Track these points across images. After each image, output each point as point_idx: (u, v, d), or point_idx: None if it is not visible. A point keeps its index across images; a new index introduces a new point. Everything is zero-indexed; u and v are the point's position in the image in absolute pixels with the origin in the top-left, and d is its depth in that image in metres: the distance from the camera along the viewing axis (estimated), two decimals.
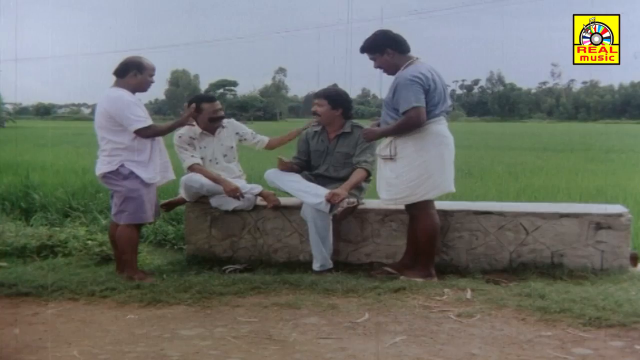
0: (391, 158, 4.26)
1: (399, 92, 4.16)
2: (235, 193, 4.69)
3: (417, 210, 4.30)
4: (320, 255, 4.52)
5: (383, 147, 4.33)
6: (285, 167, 4.75)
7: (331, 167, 4.74)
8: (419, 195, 4.24)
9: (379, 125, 4.44)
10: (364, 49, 4.37)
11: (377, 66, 4.37)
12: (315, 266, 4.52)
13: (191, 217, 4.98)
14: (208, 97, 5.10)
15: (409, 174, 4.21)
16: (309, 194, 4.52)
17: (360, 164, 4.61)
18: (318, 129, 4.85)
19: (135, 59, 4.42)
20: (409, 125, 4.15)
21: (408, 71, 4.20)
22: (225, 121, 4.99)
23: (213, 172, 4.80)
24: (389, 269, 4.44)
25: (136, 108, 4.29)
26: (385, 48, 4.28)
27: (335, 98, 4.73)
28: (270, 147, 5.17)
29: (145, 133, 4.29)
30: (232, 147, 4.98)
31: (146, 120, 4.30)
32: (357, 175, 4.59)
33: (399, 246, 4.60)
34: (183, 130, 4.84)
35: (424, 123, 4.15)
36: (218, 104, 4.95)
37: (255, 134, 5.12)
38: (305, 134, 4.91)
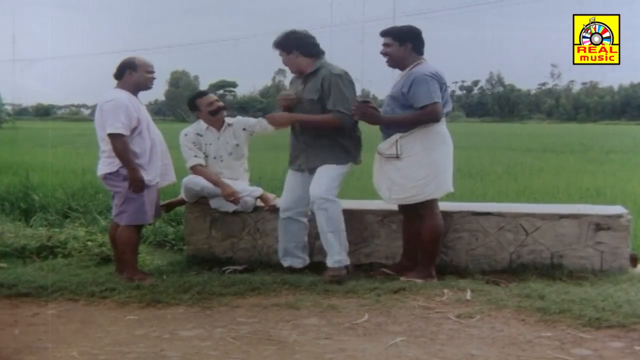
0: (397, 157, 4.24)
1: (417, 87, 4.17)
2: (232, 197, 4.70)
3: (424, 210, 4.29)
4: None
5: (388, 146, 4.29)
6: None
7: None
8: (426, 195, 4.24)
9: (367, 102, 4.34)
10: (389, 32, 4.34)
11: (385, 52, 4.36)
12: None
13: (191, 218, 4.98)
14: (199, 93, 5.10)
15: (417, 172, 4.22)
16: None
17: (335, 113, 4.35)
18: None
19: (128, 59, 4.43)
20: (427, 120, 4.18)
21: (424, 68, 4.23)
22: (231, 120, 4.98)
23: (213, 174, 4.79)
24: (387, 271, 4.44)
25: (121, 113, 4.23)
26: (407, 42, 4.31)
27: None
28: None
29: (114, 140, 4.24)
30: (237, 145, 4.93)
31: (122, 129, 4.22)
32: (325, 117, 4.35)
33: (399, 247, 4.59)
34: (190, 128, 4.93)
35: (440, 119, 4.21)
36: (211, 97, 4.95)
37: (261, 120, 4.95)
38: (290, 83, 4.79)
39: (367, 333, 3.35)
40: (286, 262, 4.60)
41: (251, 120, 5.03)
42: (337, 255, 4.35)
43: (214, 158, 4.88)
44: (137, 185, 4.27)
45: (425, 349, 3.13)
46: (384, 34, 4.36)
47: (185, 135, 4.88)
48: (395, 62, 4.36)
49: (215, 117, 4.88)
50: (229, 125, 4.94)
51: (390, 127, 4.32)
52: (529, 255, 4.51)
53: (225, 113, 4.95)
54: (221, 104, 4.95)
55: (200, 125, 4.91)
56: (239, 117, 5.07)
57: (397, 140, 4.24)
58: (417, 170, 4.22)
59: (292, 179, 4.62)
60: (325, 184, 4.37)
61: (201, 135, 4.87)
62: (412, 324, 3.46)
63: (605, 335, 3.25)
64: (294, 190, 4.58)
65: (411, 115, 4.21)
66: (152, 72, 4.46)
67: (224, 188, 4.72)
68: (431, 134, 4.23)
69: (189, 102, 5.04)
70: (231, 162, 4.91)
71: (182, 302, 3.87)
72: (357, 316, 3.60)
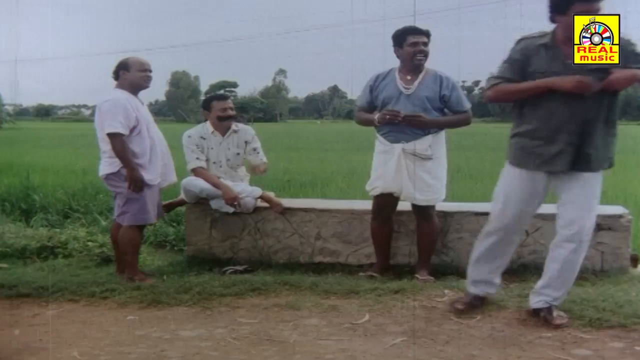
0: (430, 158, 4.26)
1: (458, 91, 4.29)
2: (233, 202, 4.69)
3: (433, 210, 4.40)
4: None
5: (425, 146, 4.25)
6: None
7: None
8: (444, 195, 4.39)
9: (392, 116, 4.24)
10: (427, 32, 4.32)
11: (425, 51, 4.27)
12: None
13: (191, 218, 4.99)
14: (219, 96, 5.13)
15: (442, 173, 4.36)
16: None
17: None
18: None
19: (122, 60, 4.44)
20: (467, 123, 4.37)
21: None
22: (240, 126, 4.96)
23: (214, 176, 4.78)
24: (373, 273, 4.43)
25: (118, 113, 4.23)
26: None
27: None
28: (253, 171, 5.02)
29: (112, 140, 4.24)
30: (238, 154, 4.92)
31: (120, 128, 4.22)
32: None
33: (399, 247, 4.60)
34: (193, 130, 4.91)
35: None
36: (228, 103, 4.90)
37: (258, 152, 4.93)
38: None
39: (368, 333, 3.35)
40: (479, 290, 3.70)
41: (256, 141, 4.91)
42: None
43: (214, 163, 4.86)
44: (136, 184, 4.28)
45: (426, 349, 3.13)
46: (428, 33, 4.32)
47: (189, 137, 4.86)
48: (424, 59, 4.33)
49: (221, 123, 4.86)
50: (235, 131, 4.91)
51: (423, 127, 4.25)
52: (529, 256, 4.50)
53: (232, 123, 4.91)
54: (233, 113, 4.88)
55: (206, 128, 4.88)
56: (249, 129, 5.04)
57: (431, 142, 4.27)
58: (442, 170, 4.36)
59: (522, 185, 3.46)
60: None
61: (204, 139, 4.85)
62: (413, 325, 3.46)
63: (606, 335, 3.25)
64: (524, 201, 3.46)
65: (454, 118, 4.33)
66: (146, 70, 4.43)
67: (225, 191, 4.70)
68: (444, 137, 4.38)
69: (204, 101, 5.06)
70: (228, 168, 4.89)
71: (183, 302, 3.87)
72: (358, 316, 3.60)
